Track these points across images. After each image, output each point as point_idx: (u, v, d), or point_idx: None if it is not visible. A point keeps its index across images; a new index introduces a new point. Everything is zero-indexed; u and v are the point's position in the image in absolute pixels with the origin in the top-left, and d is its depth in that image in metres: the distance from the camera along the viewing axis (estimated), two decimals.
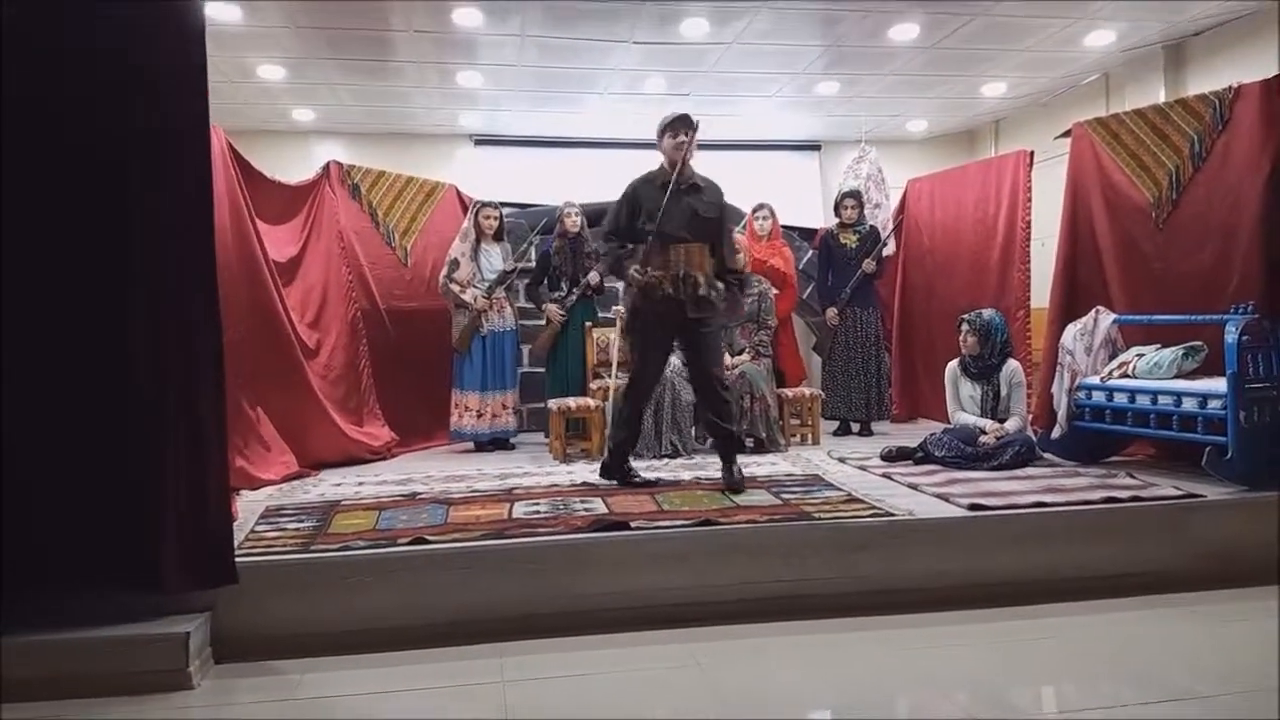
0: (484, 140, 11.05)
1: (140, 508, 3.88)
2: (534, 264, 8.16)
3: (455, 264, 7.58)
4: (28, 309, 3.78)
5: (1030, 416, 6.67)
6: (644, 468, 6.43)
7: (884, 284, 8.85)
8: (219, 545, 3.98)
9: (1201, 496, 5.13)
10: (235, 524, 4.49)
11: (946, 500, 5.15)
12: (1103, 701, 3.57)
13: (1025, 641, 4.15)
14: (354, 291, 7.53)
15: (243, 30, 7.38)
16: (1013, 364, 6.50)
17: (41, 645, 3.71)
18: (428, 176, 8.58)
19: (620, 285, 9.05)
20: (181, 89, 3.90)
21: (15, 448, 3.78)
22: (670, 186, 5.54)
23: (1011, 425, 6.33)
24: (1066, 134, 7.07)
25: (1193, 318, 5.82)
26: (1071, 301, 6.65)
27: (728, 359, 6.91)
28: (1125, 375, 5.92)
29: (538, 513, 5.03)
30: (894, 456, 6.47)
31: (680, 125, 5.54)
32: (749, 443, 7.07)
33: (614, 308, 8.04)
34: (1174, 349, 5.82)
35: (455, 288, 7.54)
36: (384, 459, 7.30)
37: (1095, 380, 6.09)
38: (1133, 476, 5.65)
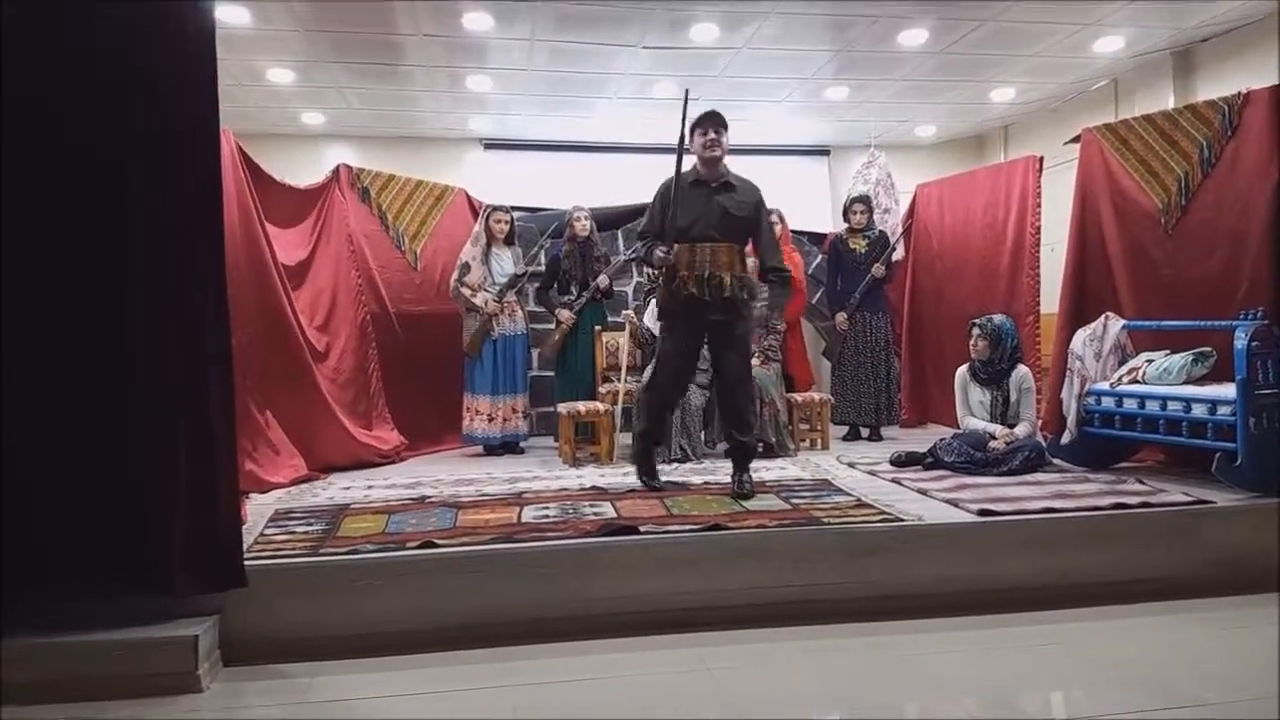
0: (494, 144, 11.06)
1: (146, 509, 3.89)
2: (544, 268, 8.17)
3: (466, 268, 7.58)
4: (27, 308, 3.79)
5: (1040, 422, 6.65)
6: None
7: (893, 289, 8.84)
8: (228, 548, 3.99)
9: (1211, 503, 5.12)
10: (244, 527, 4.51)
11: (956, 505, 5.14)
12: (1111, 708, 3.56)
13: (1034, 647, 4.14)
14: (363, 295, 7.54)
15: (252, 33, 7.40)
16: (1022, 369, 6.50)
17: (50, 648, 3.72)
18: (437, 180, 8.59)
19: (629, 289, 9.14)
20: (183, 89, 3.90)
21: (16, 448, 3.78)
22: (700, 185, 5.52)
23: (1021, 431, 6.32)
24: (1076, 139, 7.07)
25: (1202, 323, 5.81)
26: (1081, 307, 6.64)
27: None
28: (1135, 381, 5.92)
29: (547, 517, 5.03)
30: (903, 461, 6.46)
31: (708, 122, 5.48)
32: (759, 448, 7.06)
33: (624, 312, 8.06)
34: (1183, 355, 5.81)
35: (466, 291, 7.55)
36: (393, 462, 7.32)
37: (1105, 386, 6.09)
38: (1142, 482, 5.64)
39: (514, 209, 8.12)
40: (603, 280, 7.88)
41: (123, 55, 3.84)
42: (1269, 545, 4.92)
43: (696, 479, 6.12)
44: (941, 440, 6.44)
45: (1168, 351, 5.95)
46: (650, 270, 7.83)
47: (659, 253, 5.45)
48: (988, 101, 9.94)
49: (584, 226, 7.92)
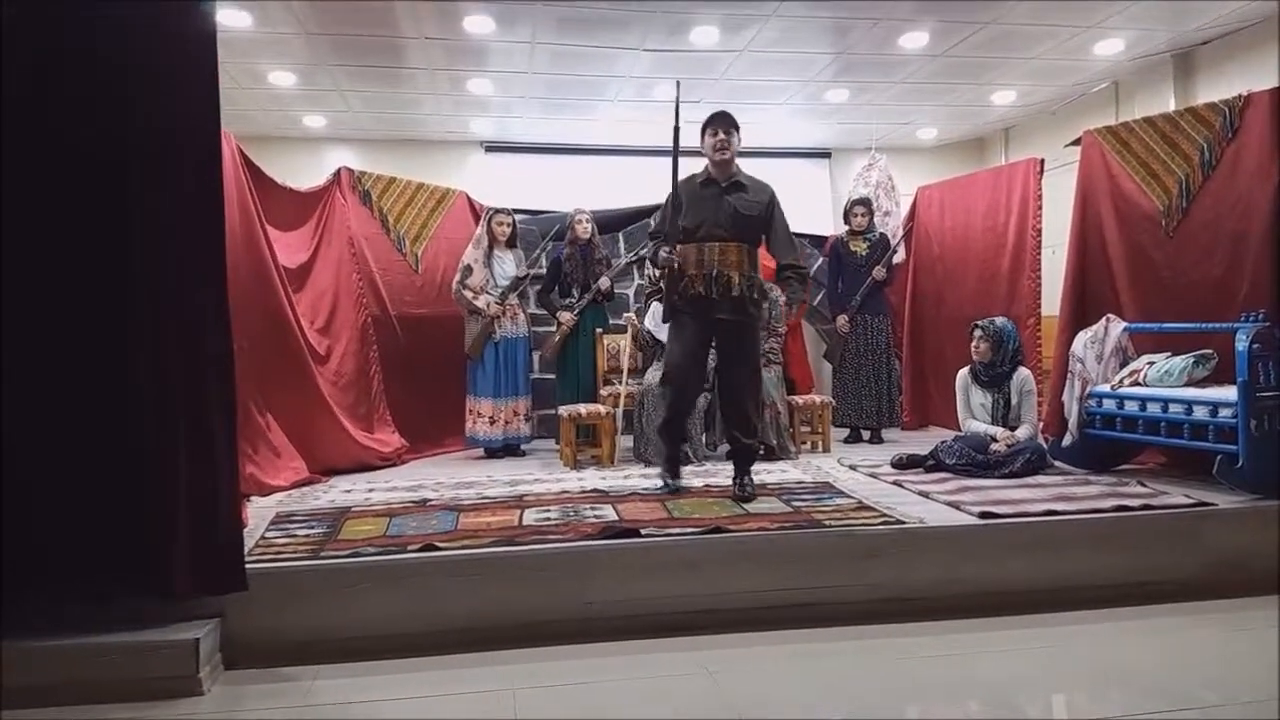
0: (495, 147, 11.04)
1: (146, 511, 3.89)
2: (545, 271, 8.17)
3: (468, 270, 7.59)
4: (27, 309, 3.79)
5: (1041, 424, 6.66)
6: (655, 474, 6.44)
7: (894, 291, 8.85)
8: (229, 551, 3.98)
9: (1213, 505, 5.12)
10: (245, 530, 4.51)
11: (957, 508, 5.15)
12: (1113, 710, 3.55)
13: (1036, 649, 4.14)
14: (364, 298, 7.54)
15: (253, 36, 7.39)
16: (1023, 372, 6.50)
17: (50, 651, 3.72)
18: (438, 183, 8.60)
19: (631, 292, 9.15)
20: (184, 89, 3.90)
21: (15, 449, 3.78)
22: (710, 185, 5.52)
23: (1022, 433, 6.32)
24: (1076, 142, 7.07)
25: (1203, 326, 5.82)
26: (1082, 309, 6.64)
27: None
28: (1136, 383, 5.92)
29: (548, 520, 5.04)
30: (905, 464, 6.46)
31: (718, 123, 5.49)
32: (760, 450, 7.05)
33: (625, 314, 8.06)
34: (1184, 357, 5.81)
35: (468, 294, 7.55)
36: (394, 465, 7.32)
37: (1106, 388, 6.09)
38: (1144, 485, 5.65)
39: (515, 211, 8.13)
40: (604, 283, 7.89)
41: (123, 55, 3.84)
42: (1270, 547, 4.93)
43: (698, 481, 6.12)
44: (943, 443, 6.44)
45: (1169, 354, 5.96)
46: (651, 273, 7.85)
47: (662, 253, 5.46)
48: (988, 104, 9.93)
49: (585, 229, 7.93)
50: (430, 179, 8.62)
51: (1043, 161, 8.00)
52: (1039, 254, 7.80)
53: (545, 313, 8.16)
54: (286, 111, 9.66)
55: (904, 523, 4.87)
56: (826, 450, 7.71)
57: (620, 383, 7.62)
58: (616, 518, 5.03)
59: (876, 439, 8.25)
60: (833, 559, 4.61)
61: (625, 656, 4.11)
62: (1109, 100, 9.31)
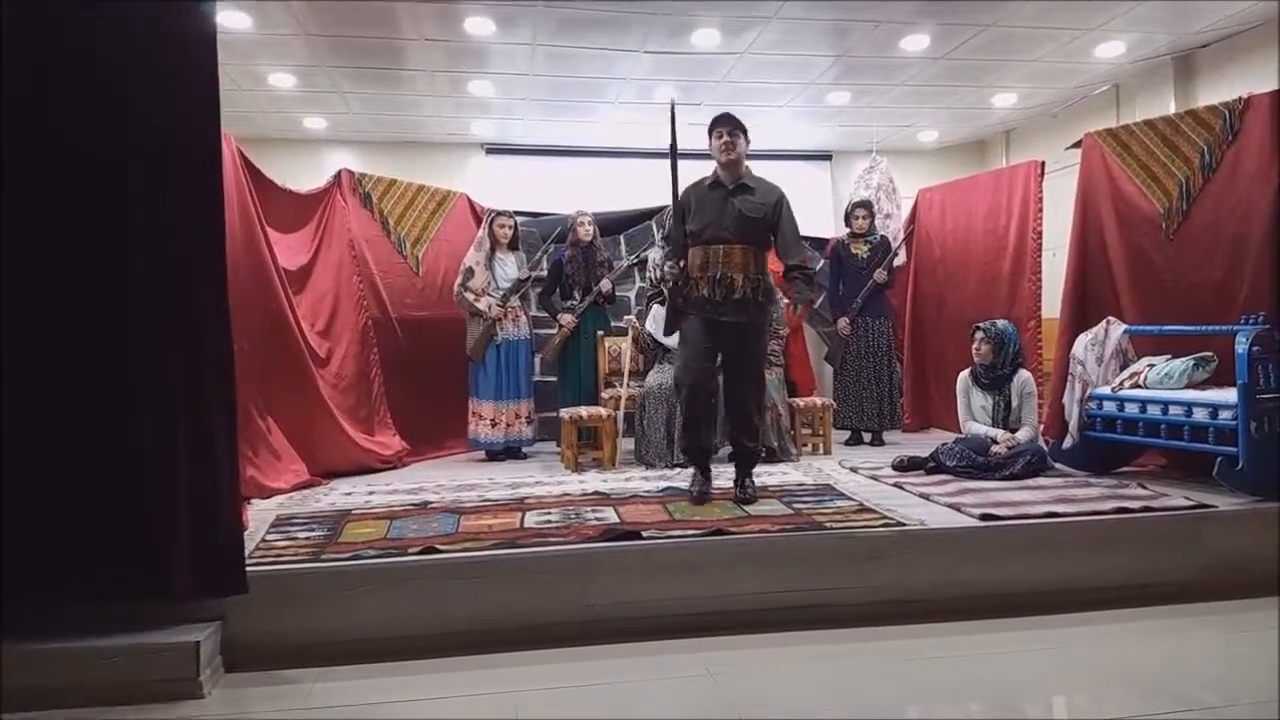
0: (495, 149, 11.06)
1: (146, 511, 3.89)
2: (546, 273, 8.17)
3: (470, 272, 7.59)
4: (27, 309, 3.79)
5: (1041, 427, 6.65)
6: (656, 476, 6.45)
7: (895, 294, 8.85)
8: (229, 552, 3.98)
9: (1213, 507, 5.12)
10: (246, 533, 4.51)
11: (958, 510, 5.15)
12: (1113, 711, 3.55)
13: (1036, 651, 4.14)
14: (365, 300, 7.54)
15: (253, 38, 7.40)
16: (1024, 374, 6.50)
17: (51, 653, 3.72)
18: (439, 185, 8.59)
19: (632, 294, 9.16)
20: (184, 89, 3.90)
21: (15, 450, 3.78)
22: (717, 188, 5.51)
23: (1023, 435, 6.32)
24: (1077, 144, 7.06)
25: (1203, 328, 5.82)
26: (1082, 312, 6.63)
27: None
28: (1136, 385, 5.92)
29: (549, 522, 5.03)
30: (905, 466, 6.47)
31: (722, 124, 5.47)
32: (761, 453, 7.05)
33: (626, 317, 8.06)
34: (1185, 359, 5.81)
35: (470, 296, 7.55)
36: (395, 468, 7.32)
37: (1106, 391, 6.09)
38: (1144, 487, 5.64)
39: (516, 214, 8.12)
40: (605, 285, 7.89)
41: (123, 55, 3.84)
42: (1270, 549, 4.93)
43: None
44: (943, 445, 6.44)
45: (1169, 356, 5.95)
46: (652, 275, 7.87)
47: (667, 267, 5.48)
48: (989, 106, 9.94)
49: (587, 231, 7.93)
50: (431, 181, 8.62)
51: (1043, 164, 8.00)
52: (1039, 256, 7.81)
53: (546, 315, 8.15)
54: (287, 113, 9.68)
55: (905, 525, 4.87)
56: (827, 452, 7.71)
57: (621, 385, 7.62)
58: (618, 520, 5.03)
59: (877, 441, 8.26)
60: (834, 561, 4.61)
61: (626, 659, 4.11)
62: (1110, 103, 9.32)
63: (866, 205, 8.49)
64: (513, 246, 7.84)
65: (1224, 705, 3.57)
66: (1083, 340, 6.31)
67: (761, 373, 5.79)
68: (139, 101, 3.86)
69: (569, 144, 10.88)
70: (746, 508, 5.30)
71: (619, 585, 4.44)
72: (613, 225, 9.16)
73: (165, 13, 3.87)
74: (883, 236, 8.53)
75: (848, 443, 8.27)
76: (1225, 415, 5.33)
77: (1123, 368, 6.16)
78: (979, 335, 6.51)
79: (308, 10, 6.88)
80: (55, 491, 3.83)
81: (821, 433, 7.83)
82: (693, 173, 5.62)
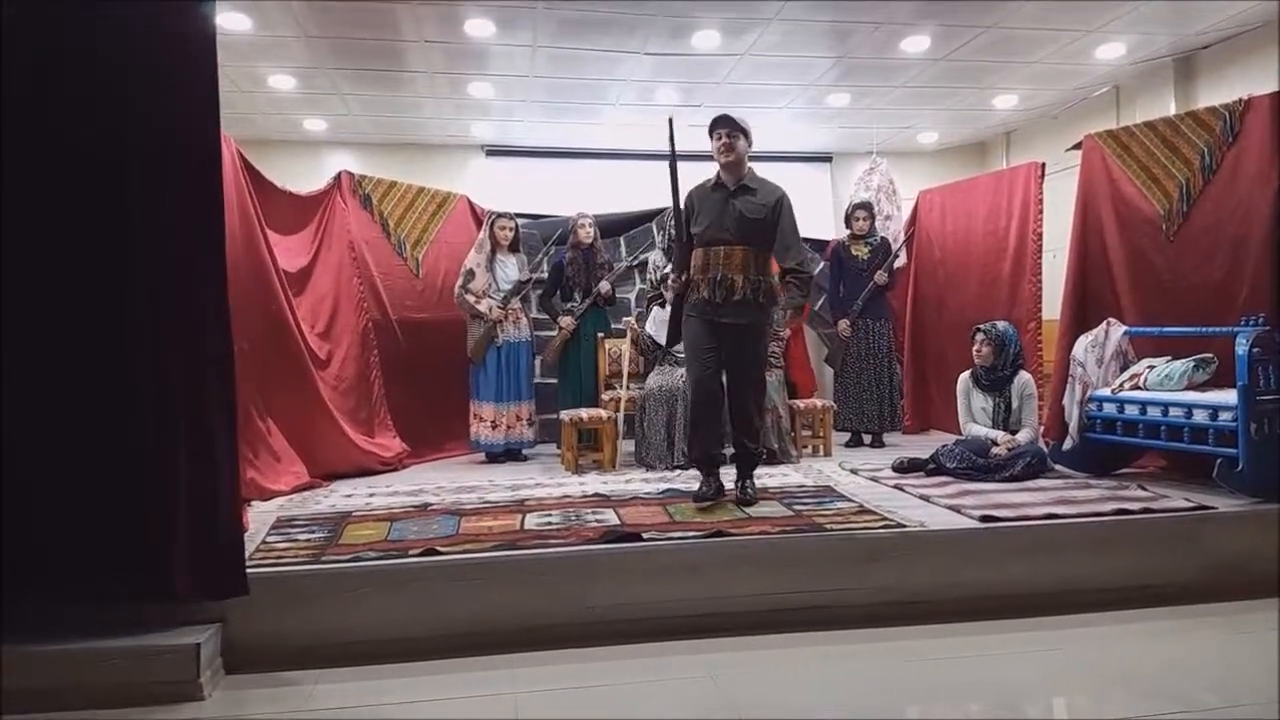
0: (496, 151, 11.06)
1: (147, 512, 3.89)
2: (546, 275, 8.18)
3: (471, 274, 7.58)
4: (27, 310, 3.79)
5: (1042, 428, 6.65)
6: (656, 478, 6.45)
7: (895, 295, 8.85)
8: (230, 556, 3.98)
9: (1213, 509, 5.12)
10: (246, 535, 4.50)
11: (958, 512, 5.15)
12: (1114, 712, 3.56)
13: (1037, 652, 4.14)
14: (365, 302, 7.54)
15: (253, 39, 7.40)
16: (1024, 376, 6.50)
17: (52, 655, 3.72)
18: (439, 187, 8.59)
19: (632, 296, 9.16)
20: (184, 89, 3.90)
21: (15, 450, 3.78)
22: (719, 189, 5.51)
23: (1023, 437, 6.32)
24: (1077, 146, 7.06)
25: (1203, 330, 5.82)
26: (1082, 313, 6.63)
27: None
28: (1136, 387, 5.92)
29: (550, 524, 5.03)
30: (906, 468, 6.47)
31: (720, 126, 5.45)
32: (762, 454, 7.04)
33: (625, 319, 8.06)
34: (1185, 361, 5.81)
35: (470, 298, 7.54)
36: (395, 470, 7.31)
37: (1106, 392, 6.09)
38: (1144, 488, 5.64)
39: (517, 216, 8.12)
40: (604, 286, 7.89)
41: (123, 55, 3.84)
42: (1270, 550, 4.93)
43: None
44: (943, 446, 6.44)
45: (1169, 357, 5.96)
46: (652, 277, 7.87)
47: (670, 280, 5.49)
48: (990, 108, 9.94)
49: (587, 233, 7.93)
50: (431, 183, 8.63)
51: (1044, 166, 8.01)
52: (1040, 258, 7.81)
53: (547, 317, 8.15)
54: (287, 115, 9.68)
55: (905, 526, 4.87)
56: (828, 454, 7.71)
57: (621, 387, 7.62)
58: (618, 522, 5.03)
59: (878, 443, 8.26)
60: (834, 562, 4.61)
61: (627, 660, 4.11)
62: (1110, 104, 9.32)
63: (867, 207, 8.50)
64: (513, 248, 7.84)
65: (1224, 706, 3.57)
66: (1083, 342, 6.31)
67: (763, 374, 5.78)
68: (139, 102, 3.86)
69: (569, 146, 10.89)
70: (747, 509, 5.30)
71: (619, 587, 4.44)
72: (613, 227, 9.17)
73: (165, 13, 3.87)
74: (883, 238, 8.53)
75: (848, 444, 8.27)
76: (1225, 417, 5.33)
77: (1123, 369, 6.16)
78: (979, 337, 6.51)
79: (308, 12, 6.88)
80: (55, 492, 3.83)
81: (822, 434, 7.83)
82: (697, 175, 5.64)
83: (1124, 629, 4.41)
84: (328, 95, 8.99)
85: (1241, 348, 5.27)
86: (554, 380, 8.27)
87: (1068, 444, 6.32)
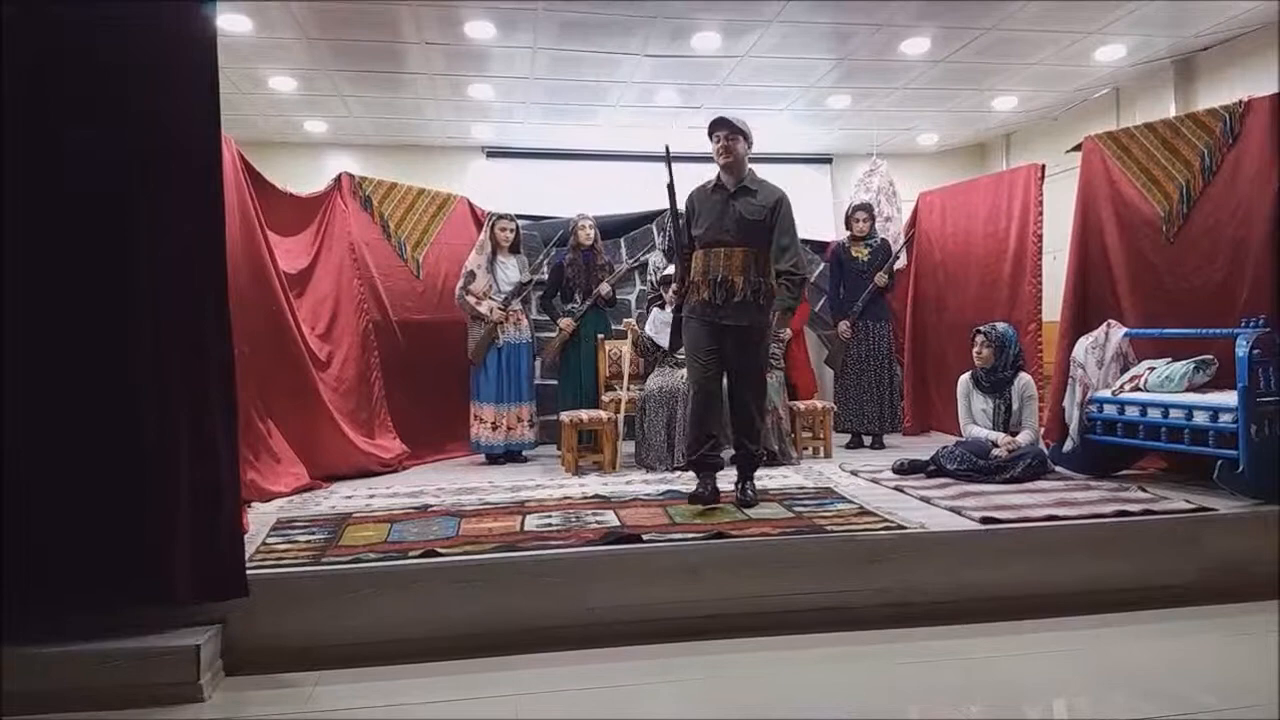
0: (496, 152, 11.05)
1: (147, 514, 3.88)
2: (547, 276, 8.18)
3: (471, 275, 7.58)
4: (27, 311, 3.78)
5: (1042, 430, 6.65)
6: (656, 479, 6.45)
7: (895, 297, 8.87)
8: (230, 556, 3.98)
9: (1213, 510, 5.12)
10: (246, 536, 4.51)
11: (959, 513, 5.15)
12: (1114, 713, 3.56)
13: (1037, 654, 4.15)
14: (365, 303, 7.54)
15: (254, 41, 7.39)
16: (1024, 377, 6.50)
17: (53, 657, 3.72)
18: (440, 188, 8.60)
19: (632, 297, 9.16)
20: (184, 89, 3.90)
21: (17, 453, 3.78)
22: (719, 191, 5.51)
23: (1023, 438, 6.31)
24: (1077, 148, 7.07)
25: (1203, 331, 5.83)
26: (1083, 315, 6.64)
27: None
28: (1137, 389, 5.92)
29: (550, 525, 5.03)
30: (906, 469, 6.47)
31: (718, 128, 5.46)
32: (763, 456, 7.03)
33: (625, 320, 8.06)
34: (1185, 362, 5.82)
35: (472, 300, 7.54)
36: (395, 471, 7.32)
37: (1107, 394, 6.09)
38: (1144, 490, 5.64)
39: (517, 217, 8.12)
40: (604, 288, 7.89)
41: (123, 56, 3.84)
42: (1270, 552, 4.93)
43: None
44: (944, 448, 6.44)
45: (1169, 359, 5.96)
46: (652, 278, 7.87)
47: (671, 290, 5.51)
48: (989, 110, 9.94)
49: (588, 235, 7.94)
50: (431, 184, 8.63)
51: (1044, 167, 8.01)
52: (1040, 259, 7.81)
53: (547, 318, 8.15)
54: (287, 117, 9.67)
55: (905, 528, 4.87)
56: (828, 455, 7.71)
57: (622, 388, 7.63)
58: (618, 523, 5.04)
59: (878, 444, 8.26)
60: (834, 564, 4.61)
61: (627, 662, 4.11)
62: (1110, 106, 9.32)
63: (867, 208, 8.50)
64: (514, 250, 7.84)
65: (1225, 708, 3.57)
66: (1083, 343, 6.31)
67: (763, 376, 5.78)
68: (139, 103, 3.86)
69: (570, 147, 10.88)
70: (747, 511, 5.30)
71: (619, 588, 4.43)
72: (613, 228, 9.19)
73: (165, 14, 3.87)
74: (883, 240, 8.53)
75: (848, 446, 8.27)
76: (1226, 418, 5.33)
77: (1123, 371, 6.16)
78: (979, 339, 6.51)
79: (308, 13, 6.88)
80: (55, 492, 3.82)
81: (822, 436, 7.84)
82: (697, 176, 5.65)
83: (1124, 630, 4.41)
84: (328, 97, 8.99)
85: (1242, 349, 5.27)
86: (554, 381, 8.28)
87: (1068, 446, 6.32)
